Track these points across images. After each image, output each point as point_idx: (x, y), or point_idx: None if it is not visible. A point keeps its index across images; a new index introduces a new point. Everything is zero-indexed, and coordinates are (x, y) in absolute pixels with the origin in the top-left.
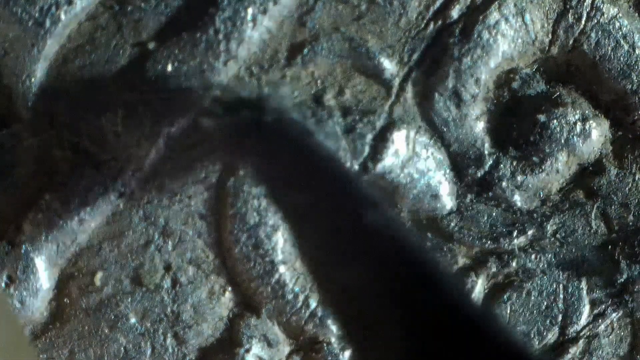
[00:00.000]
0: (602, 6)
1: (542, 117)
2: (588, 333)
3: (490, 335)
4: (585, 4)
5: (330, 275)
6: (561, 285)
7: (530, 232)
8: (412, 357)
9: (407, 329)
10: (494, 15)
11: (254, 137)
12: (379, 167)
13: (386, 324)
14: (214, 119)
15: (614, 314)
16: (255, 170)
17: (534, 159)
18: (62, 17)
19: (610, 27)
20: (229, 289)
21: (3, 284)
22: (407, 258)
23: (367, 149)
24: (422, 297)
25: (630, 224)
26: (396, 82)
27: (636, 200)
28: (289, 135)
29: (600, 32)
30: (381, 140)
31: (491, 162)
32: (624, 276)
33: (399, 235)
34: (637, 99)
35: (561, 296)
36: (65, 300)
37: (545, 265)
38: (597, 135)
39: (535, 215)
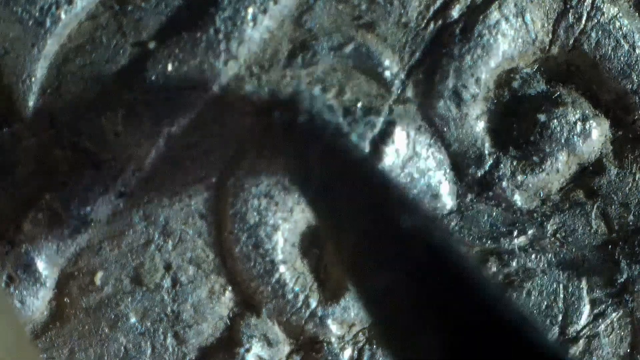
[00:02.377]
0: (602, 6)
1: (542, 117)
2: (588, 333)
3: (526, 341)
4: (585, 3)
5: (367, 278)
6: (561, 285)
7: (530, 232)
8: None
9: (443, 333)
10: (494, 15)
11: (287, 137)
12: (380, 166)
13: (422, 328)
14: (245, 120)
15: (614, 314)
16: (289, 171)
17: (534, 158)
18: (63, 16)
19: (611, 26)
20: (229, 288)
21: (3, 284)
22: (444, 262)
23: (367, 149)
24: (458, 302)
25: (631, 223)
26: (396, 81)
27: (636, 200)
28: (322, 136)
29: (600, 32)
30: (381, 139)
31: (491, 161)
32: (624, 276)
33: (434, 238)
34: (637, 98)
35: (561, 296)
36: (65, 299)
37: (546, 265)
38: (597, 135)
39: (535, 215)
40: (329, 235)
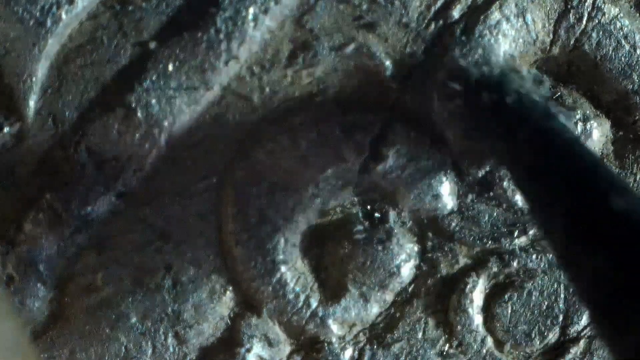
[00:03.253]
0: (603, 6)
1: None
2: (589, 333)
3: None
4: (586, 4)
5: (579, 263)
6: (562, 285)
7: (531, 232)
8: None
9: None
10: (495, 15)
11: (494, 119)
12: (380, 167)
13: (637, 312)
14: (452, 102)
15: None
16: (496, 154)
17: None
18: (63, 16)
19: (612, 27)
20: (230, 288)
21: (3, 284)
22: None
23: (367, 149)
24: None
25: None
26: (397, 81)
27: None
28: (530, 118)
29: (601, 32)
30: (382, 139)
31: (492, 161)
32: None
33: None
34: (638, 99)
35: (562, 296)
36: (66, 299)
37: (546, 265)
38: (598, 135)
39: None
40: (538, 218)
